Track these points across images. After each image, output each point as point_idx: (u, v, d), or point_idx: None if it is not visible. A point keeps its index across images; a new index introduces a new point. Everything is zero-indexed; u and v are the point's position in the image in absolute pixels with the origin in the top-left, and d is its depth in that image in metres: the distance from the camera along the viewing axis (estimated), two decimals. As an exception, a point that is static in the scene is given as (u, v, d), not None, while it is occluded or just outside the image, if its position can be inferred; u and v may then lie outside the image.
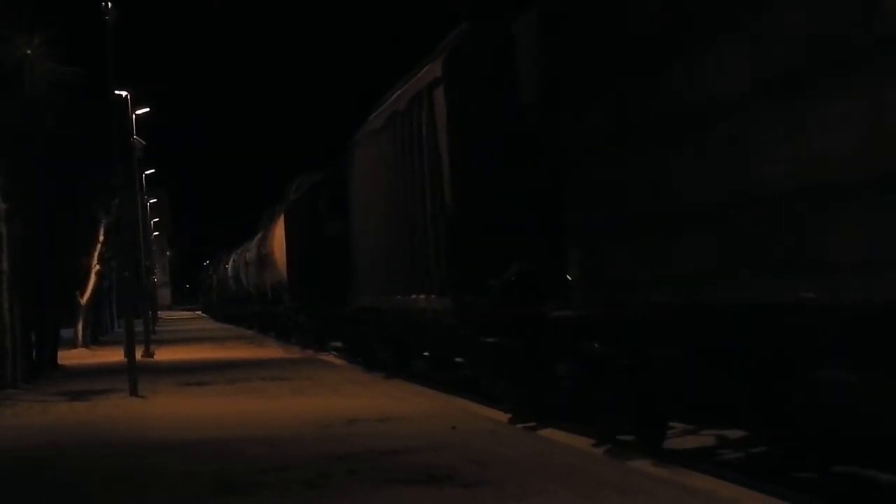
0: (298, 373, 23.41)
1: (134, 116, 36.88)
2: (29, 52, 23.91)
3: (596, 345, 10.96)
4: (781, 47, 7.19)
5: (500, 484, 9.19)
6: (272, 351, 34.38)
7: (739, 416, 9.63)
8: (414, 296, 17.26)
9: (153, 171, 50.71)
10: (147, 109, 38.36)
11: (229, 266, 66.21)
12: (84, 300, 39.24)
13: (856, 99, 6.47)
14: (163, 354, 33.63)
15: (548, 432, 12.51)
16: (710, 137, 8.15)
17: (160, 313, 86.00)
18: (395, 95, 18.73)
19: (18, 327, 23.97)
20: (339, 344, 30.89)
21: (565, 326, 11.63)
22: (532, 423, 13.15)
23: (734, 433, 10.66)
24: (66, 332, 35.77)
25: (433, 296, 16.22)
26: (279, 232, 38.08)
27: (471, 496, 8.82)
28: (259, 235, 47.53)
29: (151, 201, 58.09)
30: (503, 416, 13.94)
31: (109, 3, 22.14)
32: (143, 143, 37.78)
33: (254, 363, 27.96)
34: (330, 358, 28.47)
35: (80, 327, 39.93)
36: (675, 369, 9.70)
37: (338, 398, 17.43)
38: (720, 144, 8.01)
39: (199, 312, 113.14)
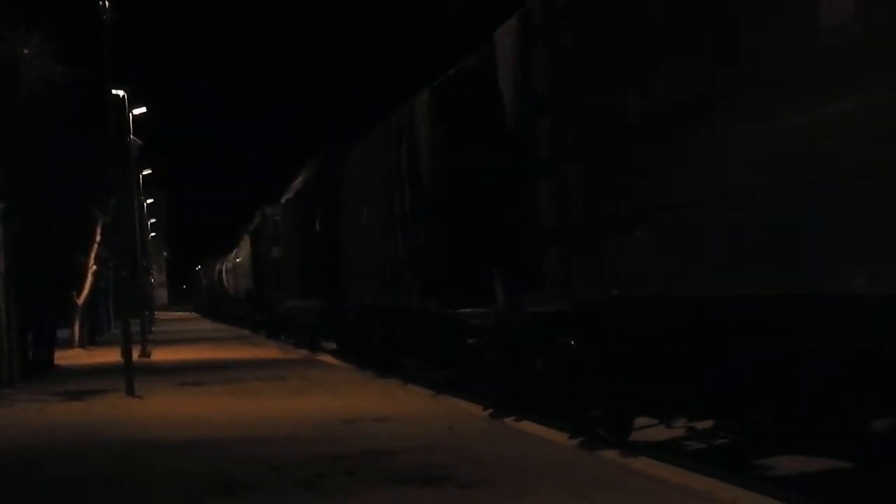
0: (295, 373, 23.41)
1: (131, 116, 36.86)
2: (26, 51, 23.88)
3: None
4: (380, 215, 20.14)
5: (496, 484, 9.19)
6: (268, 351, 34.37)
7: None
8: (311, 300, 29.69)
9: (150, 171, 50.65)
10: (144, 109, 38.33)
11: (216, 271, 77.51)
12: (81, 300, 39.19)
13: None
14: (159, 355, 33.60)
15: (525, 424, 12.53)
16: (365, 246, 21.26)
17: (157, 313, 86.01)
18: (299, 180, 31.52)
19: (15, 327, 23.95)
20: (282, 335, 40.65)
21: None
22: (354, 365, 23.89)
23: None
24: (62, 333, 35.74)
25: (313, 300, 28.94)
26: (248, 248, 49.00)
27: (468, 496, 8.82)
28: (238, 248, 57.98)
29: (148, 201, 58.02)
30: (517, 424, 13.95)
31: (107, 3, 22.11)
32: (140, 142, 37.75)
33: (250, 363, 27.95)
34: (326, 359, 28.47)
35: (76, 327, 39.88)
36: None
37: (334, 398, 17.42)
38: (371, 246, 20.59)
39: (193, 312, 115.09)
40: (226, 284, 66.30)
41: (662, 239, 8.96)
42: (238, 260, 56.08)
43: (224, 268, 68.46)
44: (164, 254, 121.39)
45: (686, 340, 9.39)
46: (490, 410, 14.24)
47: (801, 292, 7.35)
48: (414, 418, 14.15)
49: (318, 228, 26.67)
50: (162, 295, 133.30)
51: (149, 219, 65.84)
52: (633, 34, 9.26)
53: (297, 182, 30.93)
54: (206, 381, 22.30)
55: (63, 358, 32.31)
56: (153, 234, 79.35)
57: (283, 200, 36.03)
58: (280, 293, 37.21)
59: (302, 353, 32.43)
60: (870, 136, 6.49)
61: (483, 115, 13.60)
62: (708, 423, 10.99)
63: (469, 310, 14.54)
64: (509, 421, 13.47)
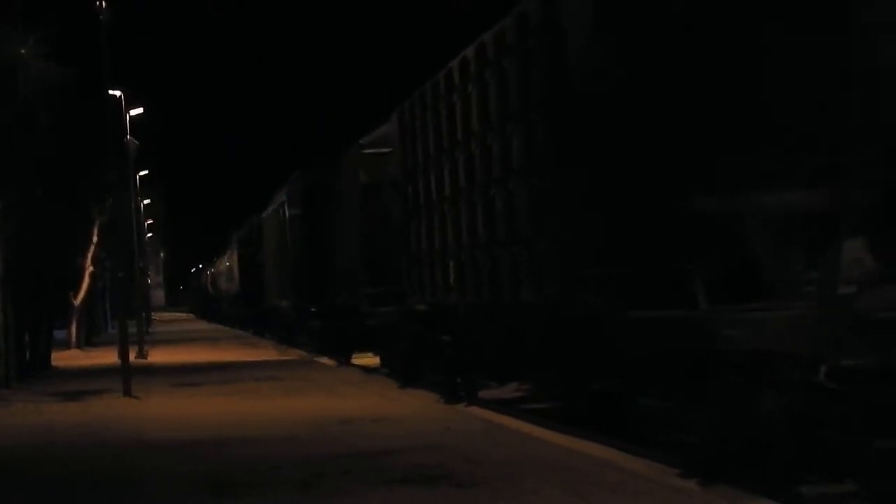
0: (292, 373, 23.42)
1: (128, 117, 36.84)
2: (23, 51, 23.88)
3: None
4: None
5: (494, 484, 9.21)
6: (265, 352, 34.37)
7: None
8: (282, 301, 36.32)
9: (147, 172, 50.59)
10: (141, 110, 38.32)
11: (209, 275, 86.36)
12: (78, 301, 39.17)
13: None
14: (156, 355, 33.60)
15: (535, 430, 12.56)
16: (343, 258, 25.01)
17: (153, 314, 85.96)
18: (278, 195, 36.21)
19: (12, 328, 23.94)
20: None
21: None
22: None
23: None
24: (59, 333, 35.71)
25: (286, 301, 35.25)
26: (236, 254, 55.45)
27: (465, 496, 8.83)
28: (228, 253, 64.74)
29: (145, 202, 57.97)
30: (498, 417, 13.98)
31: (104, 3, 22.10)
32: (137, 143, 37.73)
33: (247, 364, 27.96)
34: (323, 359, 28.47)
35: (73, 328, 39.85)
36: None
37: (332, 398, 17.43)
38: (325, 258, 27.01)
39: (189, 313, 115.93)
40: (217, 286, 73.43)
41: (446, 268, 15.37)
42: (227, 264, 63.56)
43: (216, 270, 76.43)
44: (161, 255, 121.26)
45: (482, 331, 14.48)
46: (399, 384, 18.87)
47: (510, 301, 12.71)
48: (411, 418, 14.17)
49: (289, 240, 32.96)
50: (159, 296, 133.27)
51: (146, 220, 65.78)
52: (439, 147, 15.71)
53: (277, 197, 36.70)
54: (204, 381, 22.30)
55: (60, 359, 32.28)
56: (150, 234, 79.24)
57: (263, 214, 41.95)
58: (261, 295, 43.32)
59: (299, 353, 32.45)
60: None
61: (390, 171, 19.24)
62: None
63: (387, 308, 19.76)
64: (495, 417, 13.50)
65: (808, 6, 7.46)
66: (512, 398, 15.47)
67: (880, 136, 6.87)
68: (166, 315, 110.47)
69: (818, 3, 7.42)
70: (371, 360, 24.08)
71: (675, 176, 8.84)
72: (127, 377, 19.92)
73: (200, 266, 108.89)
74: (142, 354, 32.42)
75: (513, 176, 12.54)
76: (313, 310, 29.82)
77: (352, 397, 17.46)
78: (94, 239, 38.12)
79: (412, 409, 15.39)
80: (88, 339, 43.77)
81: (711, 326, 8.36)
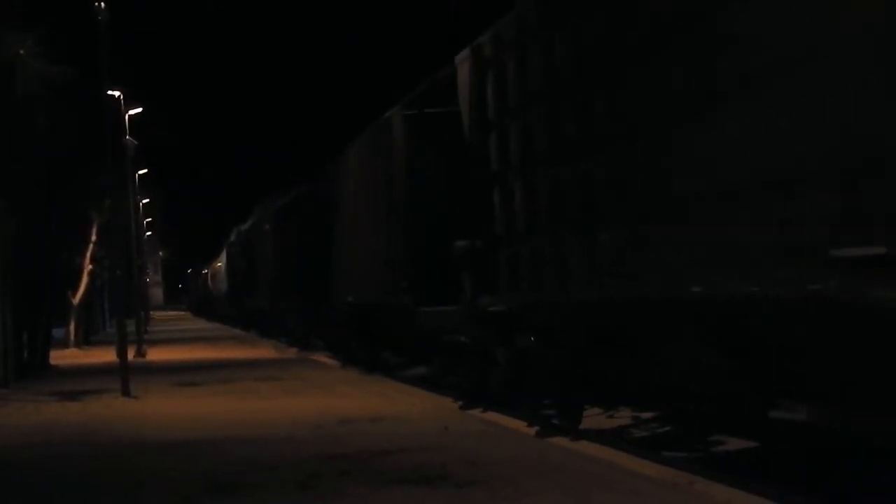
0: (290, 373, 23.42)
1: (127, 116, 36.82)
2: (22, 51, 23.87)
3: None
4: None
5: (492, 484, 9.21)
6: (264, 351, 34.38)
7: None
8: (263, 302, 42.05)
9: (146, 171, 50.56)
10: (140, 109, 38.30)
11: (206, 274, 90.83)
12: (76, 300, 39.15)
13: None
14: (155, 354, 33.60)
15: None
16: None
17: (152, 313, 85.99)
18: (256, 211, 44.69)
19: (10, 327, 23.93)
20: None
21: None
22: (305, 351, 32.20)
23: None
24: (57, 332, 35.68)
25: (266, 302, 40.65)
26: (225, 258, 62.69)
27: (463, 496, 8.84)
28: (220, 256, 71.10)
29: (144, 201, 57.97)
30: (495, 418, 13.99)
31: (103, 3, 22.09)
32: (136, 142, 37.72)
33: (245, 363, 27.97)
34: (322, 358, 28.49)
35: (72, 327, 39.82)
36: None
37: (330, 398, 17.43)
38: (284, 270, 34.85)
39: (186, 312, 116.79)
40: (213, 286, 79.23)
41: (352, 275, 22.25)
42: (218, 265, 71.03)
43: (212, 270, 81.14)
44: (160, 253, 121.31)
45: (380, 321, 20.61)
46: (340, 364, 25.37)
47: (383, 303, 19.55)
48: (409, 418, 14.17)
49: (264, 250, 39.93)
50: (157, 294, 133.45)
51: (144, 218, 65.76)
52: (349, 193, 23.18)
53: (256, 211, 43.88)
54: (202, 380, 22.30)
55: (58, 358, 32.27)
56: (149, 233, 79.26)
57: (243, 227, 49.13)
58: (245, 295, 49.45)
59: (297, 352, 32.47)
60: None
61: (329, 201, 25.26)
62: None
63: (331, 307, 25.62)
64: (500, 419, 13.51)
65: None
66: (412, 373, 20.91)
67: None
68: (165, 314, 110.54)
69: None
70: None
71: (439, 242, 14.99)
72: (125, 376, 19.91)
73: (199, 265, 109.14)
74: (140, 353, 32.42)
75: (380, 224, 19.22)
76: (284, 308, 35.97)
77: (350, 397, 17.47)
78: (93, 237, 38.10)
79: (410, 409, 15.39)
80: (87, 338, 43.75)
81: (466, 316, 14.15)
